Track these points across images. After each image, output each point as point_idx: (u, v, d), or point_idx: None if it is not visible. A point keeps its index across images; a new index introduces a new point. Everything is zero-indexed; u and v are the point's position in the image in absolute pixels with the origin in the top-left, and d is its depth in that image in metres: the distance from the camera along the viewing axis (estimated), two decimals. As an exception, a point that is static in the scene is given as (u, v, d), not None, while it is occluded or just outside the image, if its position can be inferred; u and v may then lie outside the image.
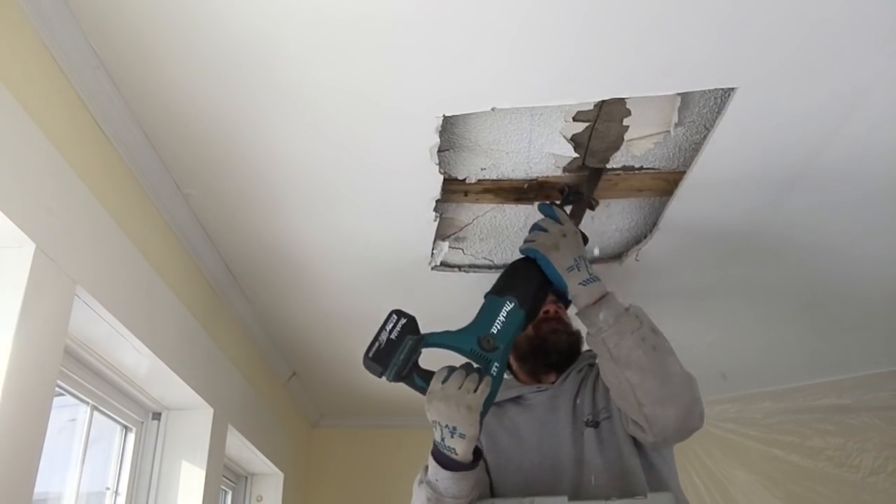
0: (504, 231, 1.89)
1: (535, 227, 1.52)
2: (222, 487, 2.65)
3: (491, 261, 2.00)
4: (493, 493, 1.48)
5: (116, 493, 1.86)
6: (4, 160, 1.10)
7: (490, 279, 1.94)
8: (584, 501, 1.31)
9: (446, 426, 1.26)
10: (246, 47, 1.25)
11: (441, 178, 1.62)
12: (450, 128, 1.54)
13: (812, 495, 2.94)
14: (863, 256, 2.01)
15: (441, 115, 1.41)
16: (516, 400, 1.61)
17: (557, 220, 1.51)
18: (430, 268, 2.02)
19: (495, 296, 1.46)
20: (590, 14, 1.16)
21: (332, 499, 3.61)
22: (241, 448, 2.53)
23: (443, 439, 1.28)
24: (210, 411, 2.04)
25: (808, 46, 1.24)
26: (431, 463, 1.32)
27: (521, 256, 1.51)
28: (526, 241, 1.50)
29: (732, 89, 1.35)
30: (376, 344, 1.34)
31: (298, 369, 2.95)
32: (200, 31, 1.22)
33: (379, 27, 1.20)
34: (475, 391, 1.26)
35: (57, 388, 1.37)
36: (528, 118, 1.53)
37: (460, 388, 1.26)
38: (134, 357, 1.66)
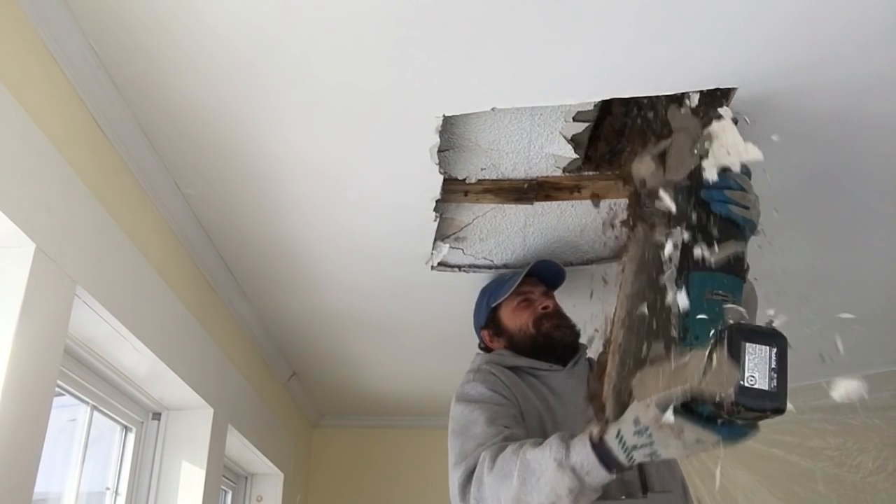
0: (504, 231, 1.89)
1: (731, 182, 1.21)
2: (222, 487, 2.65)
3: (491, 261, 2.00)
4: None
5: (116, 493, 1.87)
6: (4, 160, 1.10)
7: (489, 279, 1.95)
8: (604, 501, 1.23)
9: (652, 449, 1.05)
10: (246, 47, 1.25)
11: (441, 178, 1.62)
12: (450, 128, 1.54)
13: (812, 495, 2.94)
14: (861, 268, 2.01)
15: (441, 115, 1.41)
16: (529, 371, 1.58)
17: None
18: (429, 267, 2.02)
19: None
20: (589, 15, 1.16)
21: (332, 499, 3.62)
22: (241, 448, 2.54)
23: (634, 447, 1.06)
24: (210, 411, 2.04)
25: (809, 46, 1.24)
26: (589, 457, 1.11)
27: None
28: (734, 203, 1.20)
29: (732, 89, 1.35)
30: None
31: (298, 369, 2.95)
32: (200, 30, 1.22)
33: (379, 27, 1.20)
34: (703, 446, 1.02)
35: (57, 388, 1.38)
36: (528, 118, 1.53)
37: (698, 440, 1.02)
38: (134, 357, 1.66)
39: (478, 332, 1.79)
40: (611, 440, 1.08)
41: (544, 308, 1.67)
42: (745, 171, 1.26)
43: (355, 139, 1.50)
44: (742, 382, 0.94)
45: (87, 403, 1.72)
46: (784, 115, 1.42)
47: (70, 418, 1.70)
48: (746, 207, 1.21)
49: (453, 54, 1.25)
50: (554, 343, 1.61)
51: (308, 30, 1.20)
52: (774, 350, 0.96)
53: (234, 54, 1.27)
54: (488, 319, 1.74)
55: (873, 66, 1.29)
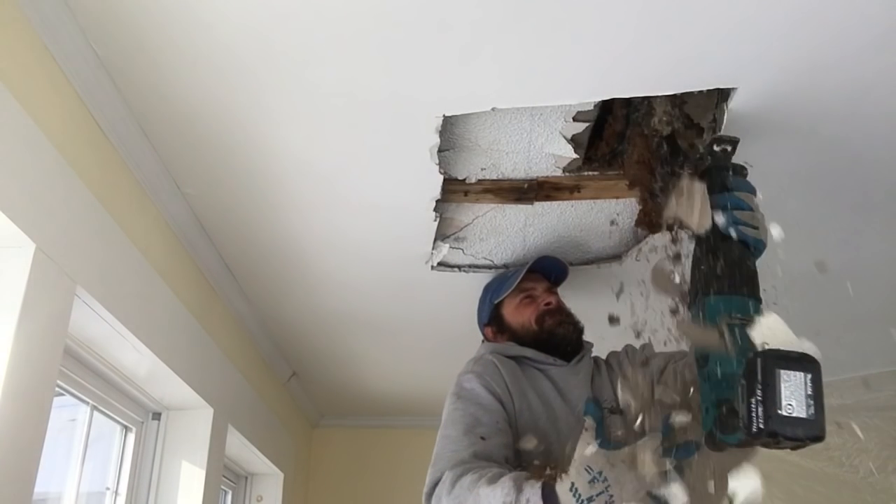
0: (504, 231, 1.89)
1: (733, 199, 1.20)
2: (222, 487, 2.65)
3: (491, 261, 2.00)
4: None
5: (116, 493, 1.87)
6: (4, 160, 1.10)
7: (489, 279, 1.95)
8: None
9: (608, 495, 1.03)
10: (245, 47, 1.25)
11: (441, 178, 1.62)
12: (450, 128, 1.54)
13: (812, 495, 2.94)
14: (861, 268, 2.01)
15: (441, 115, 1.41)
16: (531, 362, 1.57)
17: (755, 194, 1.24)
18: (429, 267, 2.02)
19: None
20: (589, 14, 1.16)
21: (332, 499, 3.62)
22: (241, 448, 2.54)
23: (590, 498, 1.04)
24: (210, 411, 2.04)
25: (809, 47, 1.24)
26: None
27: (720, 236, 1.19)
28: (745, 224, 1.18)
29: (732, 89, 1.35)
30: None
31: (298, 369, 2.95)
32: (200, 31, 1.22)
33: (379, 27, 1.20)
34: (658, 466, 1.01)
35: (57, 388, 1.38)
36: (528, 118, 1.53)
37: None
38: (134, 357, 1.66)
39: (481, 330, 1.78)
40: (563, 493, 1.06)
41: (547, 304, 1.66)
42: (751, 188, 1.24)
43: (354, 139, 1.50)
44: (779, 411, 0.89)
45: (87, 403, 1.72)
46: (784, 115, 1.42)
47: (70, 418, 1.70)
48: (756, 227, 1.19)
49: (453, 54, 1.25)
50: (557, 340, 1.60)
51: (306, 30, 1.20)
52: (809, 376, 0.92)
53: (232, 56, 1.27)
54: (491, 316, 1.73)
55: (874, 66, 1.29)
